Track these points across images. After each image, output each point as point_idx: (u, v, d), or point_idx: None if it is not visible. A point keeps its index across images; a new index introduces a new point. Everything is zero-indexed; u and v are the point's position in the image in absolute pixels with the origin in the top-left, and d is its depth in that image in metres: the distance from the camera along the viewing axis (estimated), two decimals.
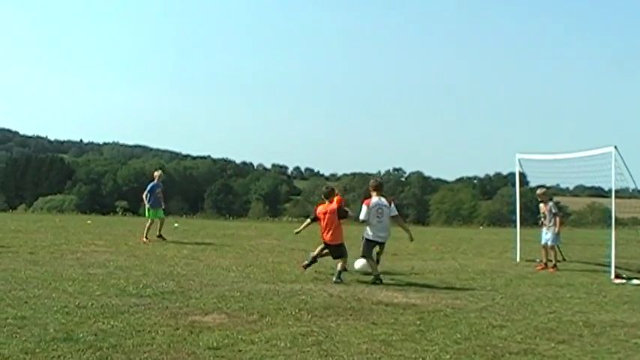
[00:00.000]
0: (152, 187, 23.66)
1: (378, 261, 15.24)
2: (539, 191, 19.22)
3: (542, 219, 18.95)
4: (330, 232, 14.82)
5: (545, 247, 18.60)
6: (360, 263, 15.45)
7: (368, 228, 14.94)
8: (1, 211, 58.76)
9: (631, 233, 21.23)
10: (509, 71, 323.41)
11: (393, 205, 15.10)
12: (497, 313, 11.09)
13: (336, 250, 14.96)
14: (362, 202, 15.19)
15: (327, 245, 15.15)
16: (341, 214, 14.91)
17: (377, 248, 15.35)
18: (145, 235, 23.15)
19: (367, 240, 14.97)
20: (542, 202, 18.96)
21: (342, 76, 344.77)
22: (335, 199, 15.19)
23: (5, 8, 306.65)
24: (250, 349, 7.96)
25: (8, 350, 7.45)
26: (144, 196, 23.76)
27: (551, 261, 18.36)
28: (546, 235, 18.59)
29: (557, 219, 18.60)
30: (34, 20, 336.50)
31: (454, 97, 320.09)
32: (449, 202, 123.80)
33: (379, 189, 15.24)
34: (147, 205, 23.70)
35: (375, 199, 14.96)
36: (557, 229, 18.44)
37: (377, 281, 14.34)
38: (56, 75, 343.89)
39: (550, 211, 18.59)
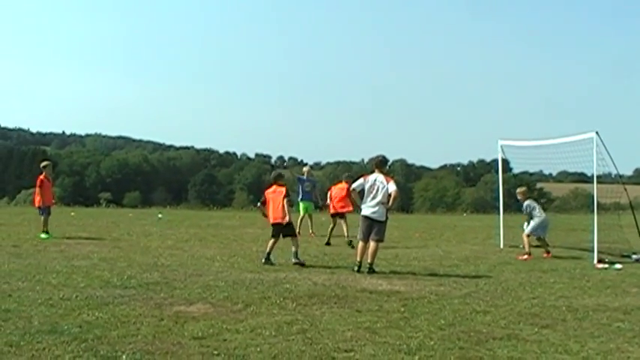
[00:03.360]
0: (301, 181, 24.16)
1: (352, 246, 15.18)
2: (518, 190, 19.26)
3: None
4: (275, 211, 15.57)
5: (528, 236, 18.61)
6: None
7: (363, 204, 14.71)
8: None
9: (613, 218, 21.35)
10: (491, 57, 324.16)
11: (392, 182, 14.63)
12: (481, 299, 11.15)
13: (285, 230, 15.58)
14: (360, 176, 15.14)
15: (275, 225, 15.62)
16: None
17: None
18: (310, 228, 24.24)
19: (361, 215, 14.77)
20: (521, 200, 18.96)
21: (325, 65, 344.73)
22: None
23: None
24: (235, 338, 7.97)
25: None
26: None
27: (540, 247, 18.43)
28: (525, 224, 18.71)
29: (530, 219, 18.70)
30: (13, 12, 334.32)
31: (436, 84, 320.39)
32: (432, 190, 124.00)
33: (380, 166, 15.06)
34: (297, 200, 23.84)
35: (373, 175, 14.72)
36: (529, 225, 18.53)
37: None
38: (37, 67, 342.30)
39: (525, 210, 18.67)
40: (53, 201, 23.28)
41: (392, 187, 14.36)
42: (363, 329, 8.65)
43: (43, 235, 20.72)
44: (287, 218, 15.44)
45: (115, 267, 14.03)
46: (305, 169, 25.73)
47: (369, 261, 14.29)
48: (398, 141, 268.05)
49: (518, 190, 19.25)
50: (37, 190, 21.53)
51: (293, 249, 15.26)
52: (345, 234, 20.40)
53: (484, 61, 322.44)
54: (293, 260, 15.00)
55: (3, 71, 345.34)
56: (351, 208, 20.29)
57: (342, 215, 21.04)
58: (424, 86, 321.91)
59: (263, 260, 15.18)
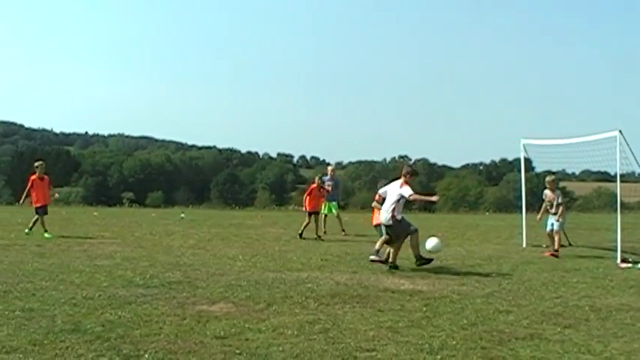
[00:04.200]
0: (324, 181, 24.30)
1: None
2: (548, 178, 19.10)
3: (548, 206, 18.90)
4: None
5: (550, 233, 18.54)
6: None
7: None
8: (7, 204, 58.82)
9: (636, 217, 21.24)
10: (515, 56, 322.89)
11: (405, 186, 14.64)
12: (504, 299, 11.10)
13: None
14: None
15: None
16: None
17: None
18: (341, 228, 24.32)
19: None
20: (550, 189, 18.86)
21: (346, 64, 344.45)
22: None
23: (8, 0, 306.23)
24: (257, 337, 7.99)
25: (17, 342, 7.48)
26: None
27: (554, 246, 18.32)
28: (551, 222, 18.57)
29: (561, 208, 18.56)
30: (38, 12, 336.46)
31: (459, 83, 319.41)
32: (455, 189, 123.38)
33: (403, 174, 15.02)
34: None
35: (394, 182, 15.02)
36: (560, 218, 18.41)
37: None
38: (61, 68, 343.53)
39: (557, 199, 18.54)
40: (51, 199, 23.28)
41: (404, 191, 14.57)
42: (385, 329, 8.63)
43: (47, 235, 20.90)
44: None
45: (137, 266, 14.09)
46: (329, 168, 25.76)
47: (390, 260, 14.54)
48: (420, 140, 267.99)
49: (548, 178, 19.06)
50: (28, 190, 21.81)
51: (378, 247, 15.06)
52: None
53: (507, 60, 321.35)
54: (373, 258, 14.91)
55: (27, 72, 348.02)
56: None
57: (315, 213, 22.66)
58: (446, 85, 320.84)
59: (388, 267, 14.65)
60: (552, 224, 18.50)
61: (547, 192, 18.99)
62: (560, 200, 18.59)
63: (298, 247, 18.94)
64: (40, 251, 16.55)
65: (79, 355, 7.03)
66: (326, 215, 23.99)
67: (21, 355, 6.98)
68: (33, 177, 21.82)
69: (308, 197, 22.49)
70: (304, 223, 22.09)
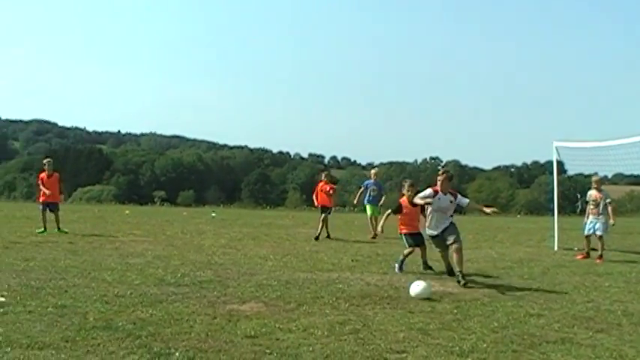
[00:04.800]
0: (367, 185, 24.56)
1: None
2: (595, 178, 18.69)
3: (592, 207, 18.54)
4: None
5: (588, 237, 18.27)
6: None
7: None
8: None
9: None
10: (547, 57, 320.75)
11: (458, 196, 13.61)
12: (535, 302, 11.02)
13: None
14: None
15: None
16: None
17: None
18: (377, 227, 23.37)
19: None
20: (596, 189, 18.51)
21: (377, 64, 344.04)
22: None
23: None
24: (288, 337, 7.99)
25: (49, 338, 7.54)
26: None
27: (596, 250, 18.01)
28: (596, 225, 18.23)
29: (610, 207, 18.26)
30: (72, 12, 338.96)
31: (490, 84, 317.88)
32: (486, 191, 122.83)
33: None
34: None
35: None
36: (612, 219, 18.12)
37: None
38: (94, 67, 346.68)
39: (604, 199, 18.23)
40: (61, 197, 23.32)
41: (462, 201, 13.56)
42: (416, 330, 8.60)
43: (38, 231, 21.18)
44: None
45: (169, 265, 14.16)
46: (372, 171, 25.69)
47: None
48: (452, 142, 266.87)
49: (594, 178, 18.55)
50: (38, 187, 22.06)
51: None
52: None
53: (540, 61, 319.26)
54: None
55: (61, 71, 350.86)
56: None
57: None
58: (478, 88, 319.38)
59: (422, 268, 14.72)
60: (593, 227, 18.22)
61: (592, 192, 18.51)
62: (609, 200, 18.28)
63: (329, 247, 18.94)
64: (73, 249, 16.69)
65: (110, 352, 7.08)
66: (375, 217, 23.75)
67: (53, 352, 7.03)
68: (42, 174, 22.05)
69: (319, 194, 22.51)
70: (324, 222, 22.00)
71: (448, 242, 13.05)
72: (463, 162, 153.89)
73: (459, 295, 11.51)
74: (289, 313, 9.46)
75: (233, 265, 14.41)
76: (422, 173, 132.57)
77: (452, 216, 13.36)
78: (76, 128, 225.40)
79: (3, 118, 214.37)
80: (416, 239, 14.44)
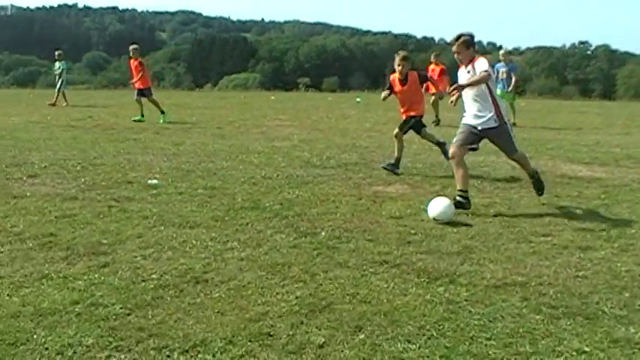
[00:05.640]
0: (497, 68, 22.02)
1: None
2: None
3: None
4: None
5: None
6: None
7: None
8: (188, 89, 60.90)
9: None
10: None
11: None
12: None
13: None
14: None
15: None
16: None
17: None
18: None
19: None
20: None
21: None
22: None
23: None
24: (431, 219, 7.94)
25: (200, 218, 7.75)
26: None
27: None
28: None
29: None
30: None
31: None
32: (637, 77, 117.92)
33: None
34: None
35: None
36: None
37: None
38: None
39: None
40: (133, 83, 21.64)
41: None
42: (562, 215, 8.36)
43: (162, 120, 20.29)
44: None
45: (314, 148, 14.26)
46: (501, 52, 23.93)
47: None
48: (601, 26, 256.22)
49: None
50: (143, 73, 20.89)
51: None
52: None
53: None
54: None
55: None
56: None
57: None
58: None
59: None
60: None
61: None
62: None
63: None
64: (220, 133, 17.03)
65: (258, 231, 7.21)
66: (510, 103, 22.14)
67: (204, 230, 7.22)
68: (140, 59, 21.15)
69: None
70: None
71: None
72: (614, 46, 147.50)
73: (607, 180, 11.09)
74: (433, 195, 9.37)
75: (378, 149, 14.40)
76: (570, 58, 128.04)
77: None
78: (221, 17, 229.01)
79: (150, 9, 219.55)
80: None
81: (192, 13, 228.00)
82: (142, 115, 20.47)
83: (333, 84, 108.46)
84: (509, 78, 21.76)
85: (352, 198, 9.10)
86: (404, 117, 11.81)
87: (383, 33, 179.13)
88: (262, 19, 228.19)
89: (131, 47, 21.24)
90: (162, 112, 20.40)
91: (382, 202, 8.83)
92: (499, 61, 22.54)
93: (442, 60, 22.57)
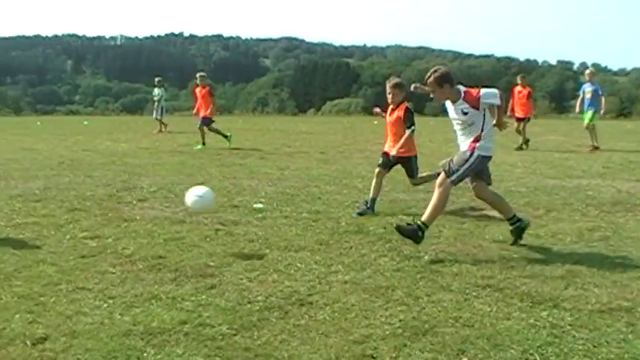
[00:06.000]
0: (583, 89, 21.32)
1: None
2: None
3: None
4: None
5: None
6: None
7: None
8: (292, 115, 61.57)
9: None
10: None
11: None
12: None
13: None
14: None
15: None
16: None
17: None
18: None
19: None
20: None
21: None
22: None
23: None
24: (536, 242, 7.92)
25: (304, 241, 7.93)
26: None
27: None
28: None
29: None
30: None
31: None
32: None
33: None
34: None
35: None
36: None
37: None
38: None
39: None
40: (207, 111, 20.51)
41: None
42: None
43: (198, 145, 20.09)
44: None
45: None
46: (587, 72, 22.53)
47: None
48: None
49: None
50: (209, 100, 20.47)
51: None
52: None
53: None
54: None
55: None
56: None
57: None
58: None
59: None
60: None
61: None
62: None
63: (580, 155, 18.41)
64: (324, 158, 17.24)
65: (362, 255, 7.33)
66: (592, 125, 20.61)
67: (308, 253, 7.38)
68: (209, 87, 20.73)
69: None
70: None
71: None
72: None
73: None
74: (538, 219, 9.34)
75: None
76: None
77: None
78: (323, 43, 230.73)
79: (253, 37, 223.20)
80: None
81: (295, 39, 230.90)
82: (204, 143, 20.14)
83: (436, 108, 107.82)
84: (593, 98, 20.65)
85: (456, 222, 9.15)
86: (385, 148, 11.13)
87: (485, 56, 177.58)
88: (364, 45, 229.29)
89: (199, 75, 21.08)
90: (226, 137, 20.13)
91: (485, 226, 8.86)
92: (587, 81, 21.59)
93: (528, 82, 22.04)
